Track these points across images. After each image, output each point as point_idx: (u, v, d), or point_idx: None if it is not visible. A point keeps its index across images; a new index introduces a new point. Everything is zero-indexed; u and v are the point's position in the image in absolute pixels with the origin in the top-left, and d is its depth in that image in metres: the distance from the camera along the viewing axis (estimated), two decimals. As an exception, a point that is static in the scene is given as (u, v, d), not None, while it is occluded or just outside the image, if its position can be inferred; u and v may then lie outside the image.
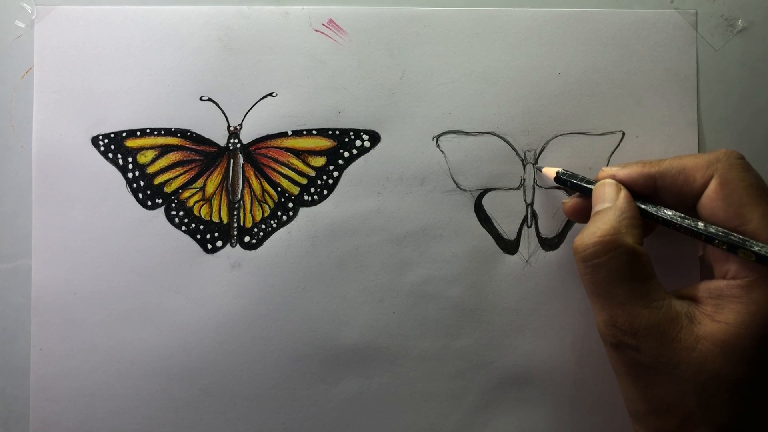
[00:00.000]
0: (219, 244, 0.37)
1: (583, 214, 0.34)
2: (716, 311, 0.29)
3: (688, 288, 0.31)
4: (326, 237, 0.37)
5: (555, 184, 0.37)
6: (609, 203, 0.31)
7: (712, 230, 0.29)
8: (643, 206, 0.31)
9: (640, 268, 0.30)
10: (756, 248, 0.28)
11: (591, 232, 0.30)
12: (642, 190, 0.32)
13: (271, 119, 0.37)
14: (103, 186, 0.37)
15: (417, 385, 0.37)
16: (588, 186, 0.33)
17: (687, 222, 0.30)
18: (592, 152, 0.37)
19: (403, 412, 0.37)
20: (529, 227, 0.37)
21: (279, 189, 0.37)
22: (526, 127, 0.37)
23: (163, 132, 0.37)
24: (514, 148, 0.37)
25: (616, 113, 0.37)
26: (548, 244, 0.37)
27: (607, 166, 0.37)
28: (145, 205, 0.37)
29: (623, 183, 0.32)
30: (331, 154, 0.37)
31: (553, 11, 0.37)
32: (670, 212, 0.31)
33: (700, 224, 0.30)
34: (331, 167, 0.37)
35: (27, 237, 0.37)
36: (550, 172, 0.36)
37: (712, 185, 0.30)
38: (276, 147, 0.37)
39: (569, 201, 0.35)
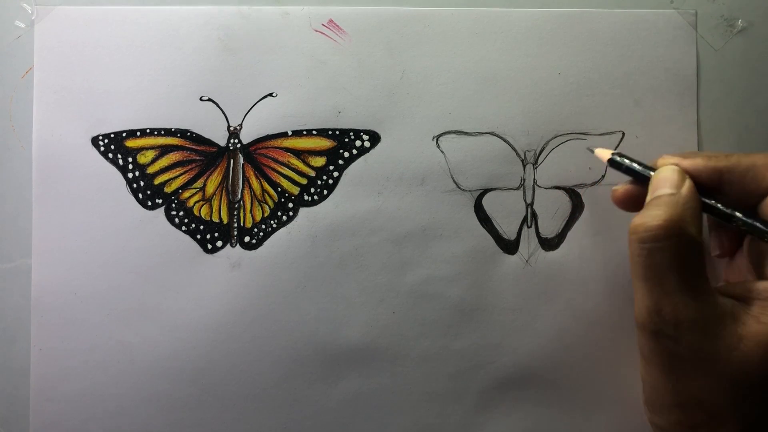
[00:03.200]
0: (219, 244, 0.37)
1: (635, 202, 0.33)
2: (763, 312, 0.28)
3: (735, 285, 0.31)
4: (326, 237, 0.37)
5: (555, 183, 0.37)
6: (672, 190, 0.30)
7: None
8: (707, 200, 0.31)
9: (696, 260, 0.29)
10: None
11: (655, 215, 0.29)
12: (704, 183, 0.31)
13: (271, 119, 0.37)
14: (103, 186, 0.37)
15: (417, 385, 0.37)
16: (646, 172, 0.32)
17: (752, 220, 0.30)
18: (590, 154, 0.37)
19: (403, 412, 0.37)
20: (529, 227, 0.37)
21: (279, 189, 0.37)
22: (526, 127, 0.37)
23: (163, 132, 0.37)
24: (514, 148, 0.37)
25: (616, 113, 0.37)
26: (548, 244, 0.37)
27: (606, 166, 0.37)
28: (145, 205, 0.37)
29: (687, 172, 0.31)
30: (331, 154, 0.37)
31: (553, 11, 0.37)
32: (731, 209, 0.30)
33: (766, 225, 0.29)
34: (331, 167, 0.37)
35: (27, 237, 0.37)
36: (603, 154, 0.34)
37: None
38: (276, 147, 0.37)
39: (620, 188, 0.33)
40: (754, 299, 0.29)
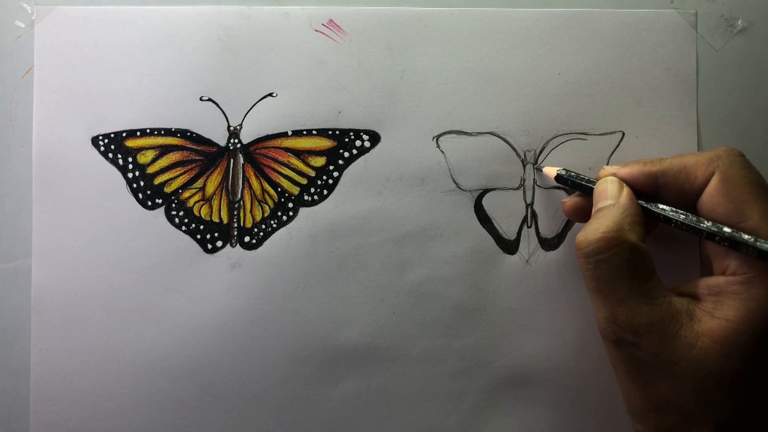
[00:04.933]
0: (219, 244, 0.37)
1: (583, 213, 0.34)
2: (716, 308, 0.29)
3: (687, 285, 0.31)
4: (326, 237, 0.37)
5: (555, 183, 0.37)
6: (612, 200, 0.31)
7: (713, 227, 0.29)
8: (645, 204, 0.32)
9: (642, 265, 0.30)
10: (758, 244, 0.28)
11: (594, 228, 0.30)
12: (643, 189, 0.32)
13: (271, 119, 0.37)
14: (103, 186, 0.37)
15: (417, 385, 0.37)
16: (589, 185, 0.33)
17: (688, 219, 0.30)
18: (592, 152, 0.37)
19: (403, 412, 0.37)
20: (529, 227, 0.37)
21: (279, 189, 0.37)
22: (526, 127, 0.37)
23: (163, 132, 0.37)
24: (514, 148, 0.37)
25: (616, 113, 0.37)
26: (548, 244, 0.37)
27: (608, 165, 0.37)
28: (145, 205, 0.37)
29: (625, 181, 0.32)
30: (331, 154, 0.37)
31: (553, 11, 0.37)
32: (671, 209, 0.31)
33: (702, 221, 0.30)
34: (331, 167, 0.37)
35: (27, 237, 0.37)
36: (550, 171, 0.36)
37: (713, 182, 0.30)
38: (276, 147, 0.37)
39: (569, 200, 0.35)
40: (706, 295, 0.30)
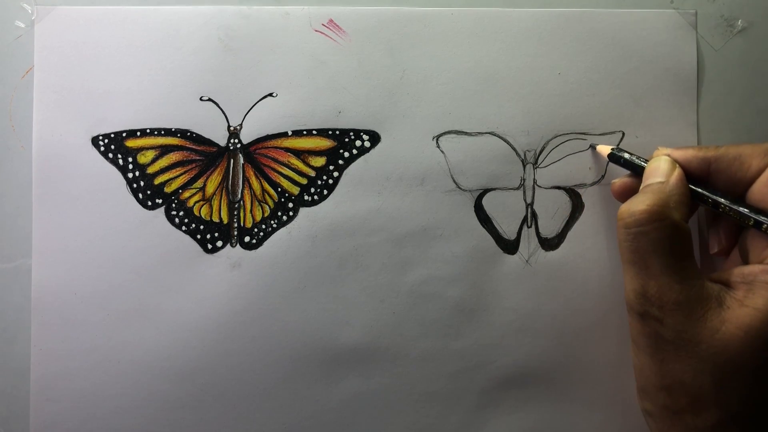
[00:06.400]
0: (219, 244, 0.37)
1: (632, 194, 0.34)
2: (746, 296, 0.29)
3: (722, 272, 0.31)
4: (326, 237, 0.37)
5: (555, 183, 0.37)
6: (662, 178, 0.31)
7: (762, 215, 0.30)
8: (694, 187, 0.32)
9: (681, 244, 0.30)
10: None
11: (639, 201, 0.30)
12: (694, 173, 0.32)
13: (271, 119, 0.37)
14: (103, 186, 0.37)
15: (417, 385, 0.37)
16: (642, 164, 0.33)
17: (737, 205, 0.31)
18: (591, 152, 0.37)
19: (403, 412, 0.37)
20: (529, 227, 0.37)
21: (279, 189, 0.37)
22: (526, 127, 0.37)
23: (163, 132, 0.37)
24: (514, 148, 0.37)
25: (616, 113, 0.37)
26: (548, 244, 0.37)
27: (606, 166, 0.37)
28: (145, 205, 0.37)
29: (677, 163, 0.32)
30: (331, 154, 0.37)
31: (553, 11, 0.37)
32: (720, 195, 0.31)
33: (751, 209, 0.30)
34: (331, 167, 0.37)
35: (27, 237, 0.37)
36: (603, 150, 0.36)
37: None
38: (276, 147, 0.37)
39: (618, 181, 0.35)
40: (739, 283, 0.30)
